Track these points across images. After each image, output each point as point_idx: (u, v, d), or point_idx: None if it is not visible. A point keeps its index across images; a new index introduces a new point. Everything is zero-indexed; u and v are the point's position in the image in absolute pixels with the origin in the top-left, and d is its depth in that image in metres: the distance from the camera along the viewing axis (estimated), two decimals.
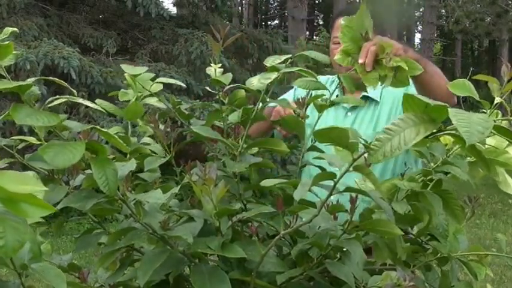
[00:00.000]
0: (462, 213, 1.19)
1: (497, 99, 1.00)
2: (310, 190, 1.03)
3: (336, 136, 0.94)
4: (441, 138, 1.18)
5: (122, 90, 1.27)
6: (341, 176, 0.98)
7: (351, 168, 0.95)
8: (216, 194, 1.03)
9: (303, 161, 1.43)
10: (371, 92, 1.91)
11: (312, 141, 1.39)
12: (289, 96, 2.02)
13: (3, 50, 0.97)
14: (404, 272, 0.99)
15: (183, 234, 1.01)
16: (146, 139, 1.33)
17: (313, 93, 1.29)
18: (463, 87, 1.01)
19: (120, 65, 1.21)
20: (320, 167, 1.31)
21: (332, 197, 1.04)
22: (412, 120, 0.86)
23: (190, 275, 1.03)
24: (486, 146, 1.14)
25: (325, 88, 1.23)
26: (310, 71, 1.24)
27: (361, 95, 1.93)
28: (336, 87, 1.77)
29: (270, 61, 1.21)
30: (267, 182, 1.10)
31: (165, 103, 1.26)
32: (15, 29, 1.07)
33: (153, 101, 1.25)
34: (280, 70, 1.19)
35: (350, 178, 1.04)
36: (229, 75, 1.25)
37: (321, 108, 1.30)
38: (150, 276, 1.00)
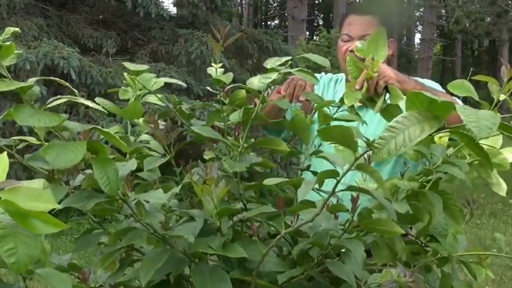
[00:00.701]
0: (460, 214, 1.19)
1: (502, 97, 1.00)
2: (313, 189, 1.03)
3: (339, 134, 0.94)
4: (436, 139, 1.19)
5: (123, 87, 1.27)
6: (343, 175, 0.98)
7: (353, 167, 0.95)
8: (217, 193, 1.03)
9: (307, 161, 1.43)
10: None
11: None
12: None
13: (4, 50, 0.97)
14: (404, 268, 0.99)
15: (185, 234, 1.01)
16: (144, 136, 1.33)
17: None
18: (462, 88, 1.01)
19: (122, 63, 1.21)
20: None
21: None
22: (416, 117, 0.85)
23: (191, 275, 1.03)
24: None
25: (328, 103, 1.24)
26: (309, 71, 1.24)
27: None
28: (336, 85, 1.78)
29: (271, 63, 1.21)
30: (268, 182, 1.10)
31: (165, 102, 1.26)
32: (17, 29, 1.07)
33: (152, 99, 1.25)
34: (280, 70, 1.19)
35: (351, 178, 1.04)
36: (231, 75, 1.25)
37: (324, 121, 1.29)
38: (152, 276, 1.00)
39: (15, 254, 0.68)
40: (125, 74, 1.24)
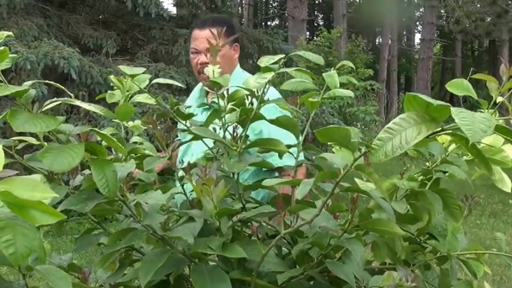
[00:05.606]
0: (460, 212, 1.19)
1: (499, 99, 0.99)
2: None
3: (337, 135, 0.94)
4: (437, 137, 1.18)
5: (109, 91, 1.27)
6: (343, 175, 0.98)
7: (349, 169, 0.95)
8: (216, 194, 1.03)
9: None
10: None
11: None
12: None
13: None
14: (406, 271, 0.98)
15: (184, 235, 1.01)
16: (135, 138, 1.33)
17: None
18: (461, 87, 1.00)
19: (118, 66, 1.20)
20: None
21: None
22: (414, 119, 0.85)
23: (191, 275, 1.03)
24: (481, 145, 1.13)
25: (317, 89, 1.24)
26: (308, 71, 1.23)
27: (211, 100, 2.07)
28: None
29: (264, 61, 1.20)
30: (267, 182, 1.10)
31: (159, 102, 1.25)
32: (11, 33, 1.07)
33: (142, 98, 1.24)
34: (278, 70, 1.19)
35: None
36: (228, 77, 1.25)
37: (312, 106, 1.29)
38: (152, 276, 1.00)
39: (14, 245, 0.67)
40: (111, 76, 1.25)
